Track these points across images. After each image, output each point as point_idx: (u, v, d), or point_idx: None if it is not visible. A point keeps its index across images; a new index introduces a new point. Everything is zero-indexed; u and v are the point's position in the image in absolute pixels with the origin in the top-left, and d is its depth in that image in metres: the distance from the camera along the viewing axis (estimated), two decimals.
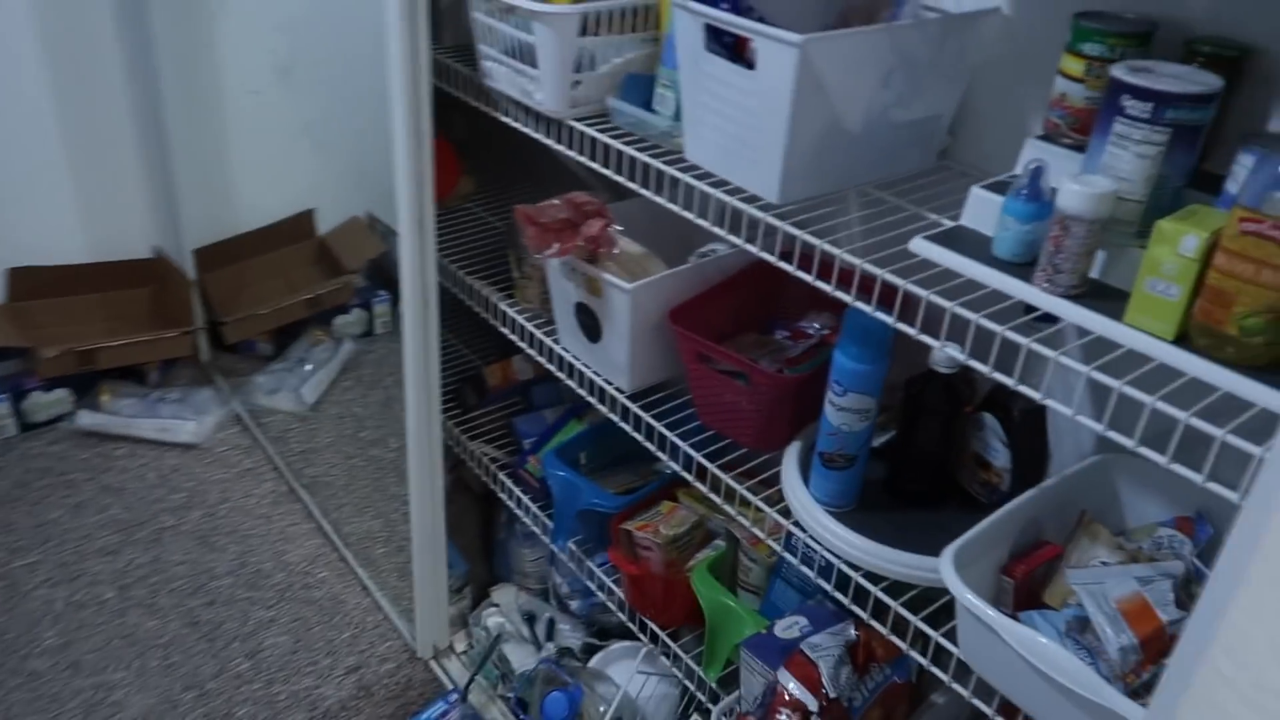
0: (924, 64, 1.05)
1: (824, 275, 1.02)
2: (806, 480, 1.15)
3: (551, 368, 1.49)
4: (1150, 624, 0.91)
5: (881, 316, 0.99)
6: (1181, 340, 0.78)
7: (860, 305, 1.00)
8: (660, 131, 1.20)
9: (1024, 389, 0.89)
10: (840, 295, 1.01)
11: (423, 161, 1.38)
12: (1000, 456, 1.08)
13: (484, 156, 1.87)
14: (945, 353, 1.00)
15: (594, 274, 1.25)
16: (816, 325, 1.36)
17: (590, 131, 1.23)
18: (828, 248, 0.99)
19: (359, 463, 2.34)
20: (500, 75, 1.33)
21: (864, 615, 1.14)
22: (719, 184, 1.09)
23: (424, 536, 1.73)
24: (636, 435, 1.37)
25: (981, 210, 0.96)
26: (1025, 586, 0.99)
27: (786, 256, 1.05)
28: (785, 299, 1.37)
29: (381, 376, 2.62)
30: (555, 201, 1.25)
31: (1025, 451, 1.06)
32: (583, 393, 1.44)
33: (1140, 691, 0.89)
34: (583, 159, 1.26)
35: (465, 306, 1.66)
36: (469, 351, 2.00)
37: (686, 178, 1.11)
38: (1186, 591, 0.94)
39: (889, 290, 0.94)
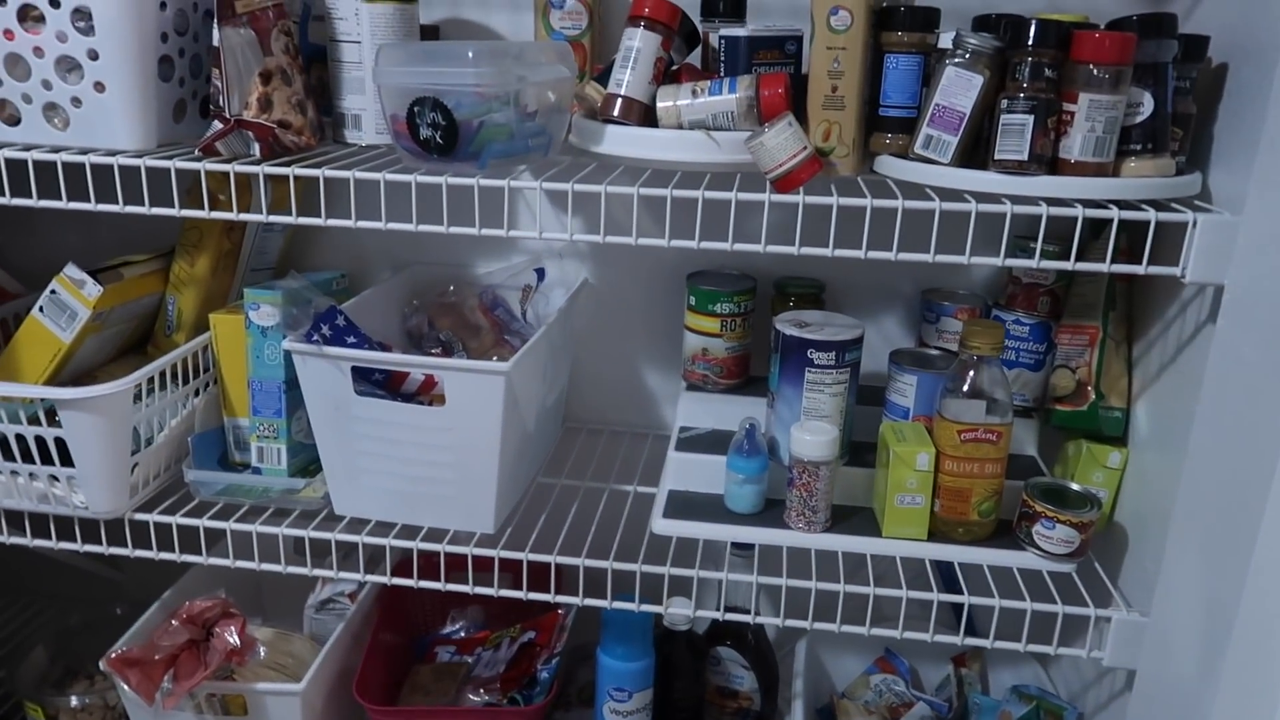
0: (560, 348, 1.05)
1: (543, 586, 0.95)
2: None
3: None
4: None
5: (646, 609, 0.96)
6: (932, 536, 0.91)
7: (623, 605, 0.95)
8: (280, 491, 0.98)
9: (737, 616, 0.96)
10: (567, 599, 0.95)
11: None
12: (745, 681, 1.11)
13: None
14: (681, 612, 1.01)
15: (240, 691, 0.96)
16: (467, 624, 1.24)
17: (179, 520, 0.94)
18: (593, 563, 0.92)
19: None
20: None
21: None
22: (405, 533, 0.94)
23: None
24: None
25: (685, 471, 0.99)
26: None
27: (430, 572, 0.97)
28: (418, 613, 1.22)
29: None
30: (169, 624, 0.93)
31: (766, 668, 1.11)
32: None
33: None
34: (165, 556, 0.96)
35: None
36: None
37: (365, 538, 0.93)
38: None
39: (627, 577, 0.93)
